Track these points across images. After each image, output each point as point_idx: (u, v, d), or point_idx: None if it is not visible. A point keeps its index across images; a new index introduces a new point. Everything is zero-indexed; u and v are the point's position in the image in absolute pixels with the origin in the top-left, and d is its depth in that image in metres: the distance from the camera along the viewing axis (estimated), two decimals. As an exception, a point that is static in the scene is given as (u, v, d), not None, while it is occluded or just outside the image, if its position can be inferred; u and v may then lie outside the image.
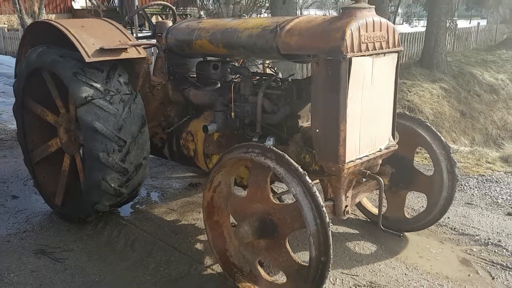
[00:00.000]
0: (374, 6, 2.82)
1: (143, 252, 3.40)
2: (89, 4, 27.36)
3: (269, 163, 2.53)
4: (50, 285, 3.01)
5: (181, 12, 18.49)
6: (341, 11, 2.77)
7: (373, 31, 2.73)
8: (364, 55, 2.69)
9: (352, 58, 2.61)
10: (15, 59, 4.17)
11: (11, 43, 17.74)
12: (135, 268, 3.19)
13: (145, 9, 4.40)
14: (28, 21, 21.42)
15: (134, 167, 3.53)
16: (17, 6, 20.91)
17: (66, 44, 3.76)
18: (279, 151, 2.54)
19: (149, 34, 4.35)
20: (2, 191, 4.59)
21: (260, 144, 2.64)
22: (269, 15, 17.55)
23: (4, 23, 24.54)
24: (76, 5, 28.96)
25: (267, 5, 17.78)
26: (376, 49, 2.76)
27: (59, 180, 3.97)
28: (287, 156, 2.51)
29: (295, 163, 2.48)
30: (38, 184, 4.17)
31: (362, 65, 2.70)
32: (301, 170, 2.46)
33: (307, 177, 2.44)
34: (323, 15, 3.06)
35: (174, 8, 4.47)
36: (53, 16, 27.11)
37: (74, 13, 28.76)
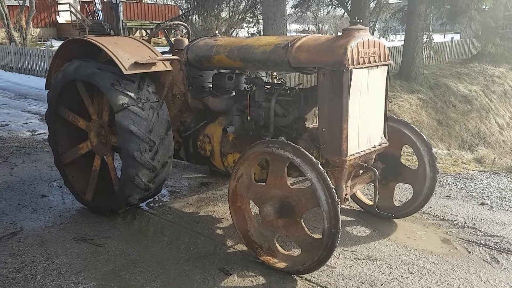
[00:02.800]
0: (368, 27, 3.46)
1: (172, 236, 3.94)
2: (74, 18, 27.76)
3: (288, 155, 3.12)
4: (96, 264, 3.51)
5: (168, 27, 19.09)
6: (342, 32, 3.39)
7: (368, 47, 3.36)
8: (361, 67, 3.32)
9: (353, 70, 3.23)
10: (48, 69, 4.65)
11: (2, 57, 17.97)
12: (169, 248, 3.72)
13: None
14: (16, 34, 21.77)
15: (161, 165, 4.06)
16: (5, 20, 21.21)
17: (98, 58, 4.33)
18: (295, 145, 3.13)
19: (167, 50, 4.91)
20: (31, 191, 5.04)
21: (279, 140, 3.23)
22: (255, 30, 18.33)
23: (-10, 38, 24.71)
24: (61, 19, 29.34)
25: (253, 20, 18.56)
26: (371, 63, 3.39)
27: (90, 178, 4.47)
28: (302, 149, 3.09)
29: (309, 154, 3.07)
30: (68, 183, 4.65)
31: (360, 76, 3.33)
32: (314, 159, 3.05)
33: (319, 165, 3.03)
34: (326, 35, 3.68)
35: (188, 27, 5.05)
36: (38, 30, 27.48)
37: (59, 27, 29.16)
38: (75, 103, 4.49)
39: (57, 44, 21.46)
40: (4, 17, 20.88)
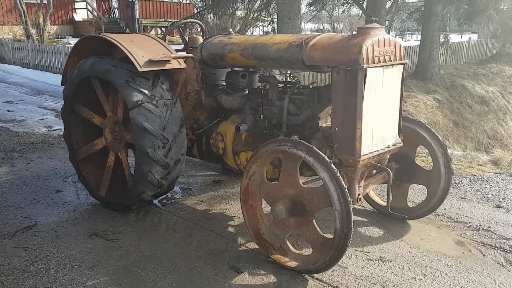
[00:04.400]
0: (384, 26, 3.43)
1: (184, 233, 3.96)
2: (90, 16, 28.05)
3: (300, 153, 3.10)
4: (109, 259, 3.54)
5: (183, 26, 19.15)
6: (357, 30, 3.36)
7: (384, 46, 3.33)
8: (376, 66, 3.29)
9: (368, 68, 3.20)
10: (64, 66, 4.69)
11: (19, 54, 18.24)
12: (180, 245, 3.74)
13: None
14: (33, 32, 22.08)
15: (174, 162, 4.08)
16: (23, 18, 21.53)
17: (113, 55, 4.36)
18: (308, 144, 3.11)
19: (182, 47, 4.93)
20: (46, 186, 5.11)
21: (291, 139, 3.21)
22: (269, 29, 18.30)
23: (8, 34, 25.14)
24: (78, 17, 29.65)
25: (267, 19, 18.54)
26: (386, 62, 3.36)
27: (104, 174, 4.51)
28: (315, 148, 3.07)
29: (322, 153, 3.05)
30: (83, 178, 4.70)
31: (375, 75, 3.29)
32: (327, 159, 3.03)
33: (332, 165, 3.01)
34: (341, 34, 3.65)
35: (203, 25, 5.06)
36: (55, 27, 27.83)
37: (76, 25, 29.46)
38: (91, 100, 4.53)
39: (73, 41, 21.69)
40: (22, 14, 21.18)
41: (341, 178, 2.98)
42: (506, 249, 3.74)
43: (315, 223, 3.22)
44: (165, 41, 4.46)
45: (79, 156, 4.70)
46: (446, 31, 16.50)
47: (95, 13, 27.69)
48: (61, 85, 4.76)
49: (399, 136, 3.74)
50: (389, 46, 3.37)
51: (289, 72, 4.38)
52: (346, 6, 19.53)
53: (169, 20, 28.31)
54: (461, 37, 27.46)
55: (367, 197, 4.48)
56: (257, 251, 3.61)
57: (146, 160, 3.90)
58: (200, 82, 4.41)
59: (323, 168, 3.02)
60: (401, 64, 3.52)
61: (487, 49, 21.88)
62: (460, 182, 5.41)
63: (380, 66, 3.32)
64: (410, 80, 14.11)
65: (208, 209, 4.50)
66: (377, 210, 4.48)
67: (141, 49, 4.00)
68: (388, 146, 3.62)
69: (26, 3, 22.39)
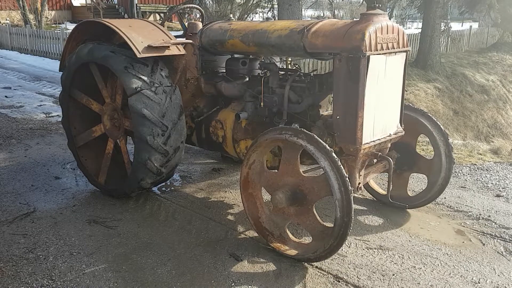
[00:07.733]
0: (387, 12, 3.38)
1: (183, 221, 3.95)
2: (88, 1, 27.75)
3: (301, 142, 3.07)
4: (108, 246, 3.53)
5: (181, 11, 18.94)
6: (360, 16, 3.31)
7: (387, 33, 3.27)
8: (379, 54, 3.24)
9: (370, 56, 3.16)
10: (62, 51, 4.64)
11: (17, 39, 18.08)
12: (180, 232, 3.73)
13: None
14: (31, 17, 21.87)
15: (173, 149, 4.05)
16: (21, 2, 21.31)
17: (111, 41, 4.30)
18: (309, 132, 3.08)
19: (181, 34, 4.86)
20: (44, 173, 5.08)
21: (292, 127, 3.18)
22: (270, 15, 18.14)
23: (6, 19, 24.90)
24: (76, 2, 29.39)
25: (268, 5, 18.37)
26: (389, 49, 3.31)
27: (103, 161, 4.48)
28: (316, 136, 3.04)
29: (323, 142, 3.02)
30: (81, 165, 4.67)
31: (377, 62, 3.25)
32: (328, 147, 3.00)
33: (333, 153, 2.98)
34: (343, 20, 3.59)
35: (202, 10, 4.99)
36: (53, 13, 27.57)
37: (74, 10, 29.21)
38: (89, 86, 4.48)
39: (71, 27, 21.50)
40: (20, -1, 20.98)
41: (342, 167, 2.96)
42: (506, 239, 3.74)
43: (315, 211, 3.20)
44: (164, 27, 4.40)
45: (77, 143, 4.67)
46: (447, 19, 16.38)
47: (93, -2, 27.40)
48: (59, 71, 4.71)
49: (401, 125, 3.71)
50: (392, 33, 3.32)
51: (290, 59, 4.33)
52: (347, -7, 19.33)
53: (168, 5, 28.04)
54: (462, 26, 27.28)
55: (367, 186, 4.46)
56: (257, 239, 3.60)
57: (145, 148, 3.86)
58: (200, 69, 4.36)
59: (324, 157, 3.00)
60: (404, 51, 3.48)
61: (487, 38, 21.72)
62: (460, 171, 5.40)
63: (383, 54, 3.27)
64: (411, 68, 14.01)
65: (207, 197, 4.49)
66: (377, 199, 4.47)
67: (140, 35, 3.95)
68: (390, 135, 3.59)
69: (23, -13, 22.13)
